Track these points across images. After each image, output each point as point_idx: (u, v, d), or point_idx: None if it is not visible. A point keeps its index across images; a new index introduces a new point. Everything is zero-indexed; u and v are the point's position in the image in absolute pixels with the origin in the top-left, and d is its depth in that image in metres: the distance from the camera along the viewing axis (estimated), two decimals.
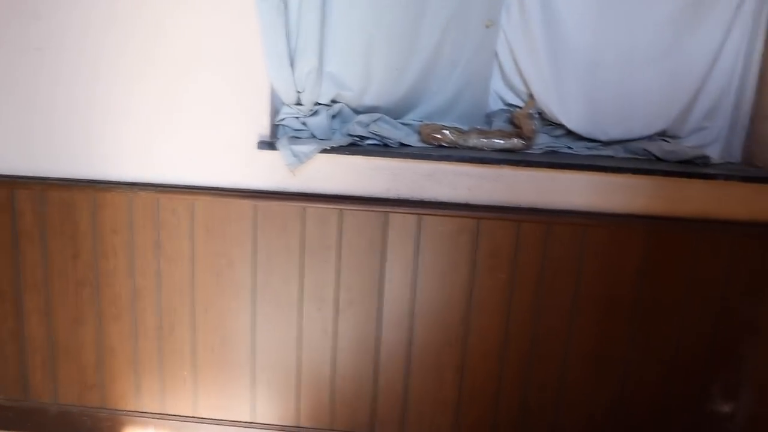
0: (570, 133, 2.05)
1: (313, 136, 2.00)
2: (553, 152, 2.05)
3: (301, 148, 1.87)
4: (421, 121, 2.08)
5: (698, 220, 1.94)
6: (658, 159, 2.00)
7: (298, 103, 1.99)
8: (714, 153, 2.04)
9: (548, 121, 2.04)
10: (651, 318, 1.99)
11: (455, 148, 2.00)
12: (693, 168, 1.92)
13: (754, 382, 2.03)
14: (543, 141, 2.04)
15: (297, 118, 2.00)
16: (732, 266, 1.95)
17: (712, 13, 1.94)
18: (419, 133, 2.02)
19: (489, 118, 2.10)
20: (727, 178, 1.87)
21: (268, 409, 2.15)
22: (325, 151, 1.89)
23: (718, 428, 2.06)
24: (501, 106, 2.12)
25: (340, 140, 1.93)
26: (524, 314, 1.99)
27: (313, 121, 1.99)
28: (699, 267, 1.95)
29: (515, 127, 2.02)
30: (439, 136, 1.99)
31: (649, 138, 2.04)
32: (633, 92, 1.98)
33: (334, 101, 2.04)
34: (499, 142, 1.98)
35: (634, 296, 1.97)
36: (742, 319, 1.98)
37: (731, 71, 2.01)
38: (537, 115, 2.02)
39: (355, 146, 1.94)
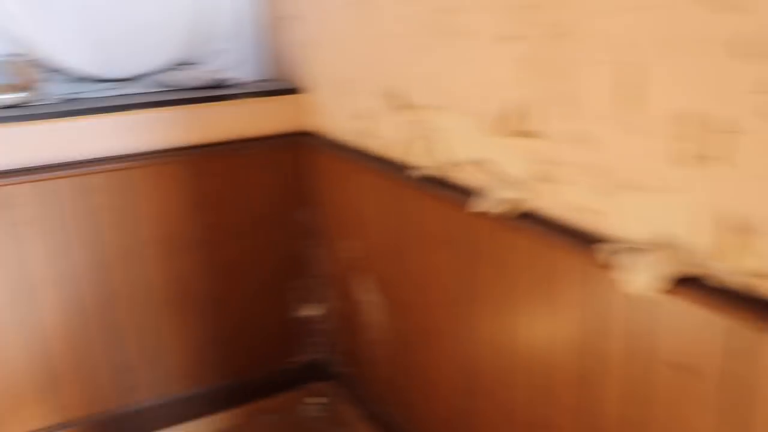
0: (83, 78, 1.94)
1: None
2: (73, 100, 1.92)
3: None
4: None
5: (235, 141, 1.98)
6: (177, 89, 1.98)
7: None
8: (245, 73, 2.09)
9: (54, 67, 1.90)
10: (220, 247, 2.02)
11: None
12: (212, 92, 1.94)
13: (325, 278, 2.19)
14: (56, 90, 1.90)
15: None
16: (278, 180, 2.05)
17: None
18: None
19: None
20: (243, 96, 1.92)
21: None
22: None
23: (313, 331, 2.22)
24: None
25: None
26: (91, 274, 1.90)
27: None
28: (249, 187, 2.01)
29: (17, 78, 1.85)
30: None
31: (170, 69, 2.02)
32: (137, 25, 1.92)
33: None
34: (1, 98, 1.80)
35: (195, 228, 1.98)
36: (300, 227, 2.11)
37: None
38: (37, 63, 1.87)
39: None
